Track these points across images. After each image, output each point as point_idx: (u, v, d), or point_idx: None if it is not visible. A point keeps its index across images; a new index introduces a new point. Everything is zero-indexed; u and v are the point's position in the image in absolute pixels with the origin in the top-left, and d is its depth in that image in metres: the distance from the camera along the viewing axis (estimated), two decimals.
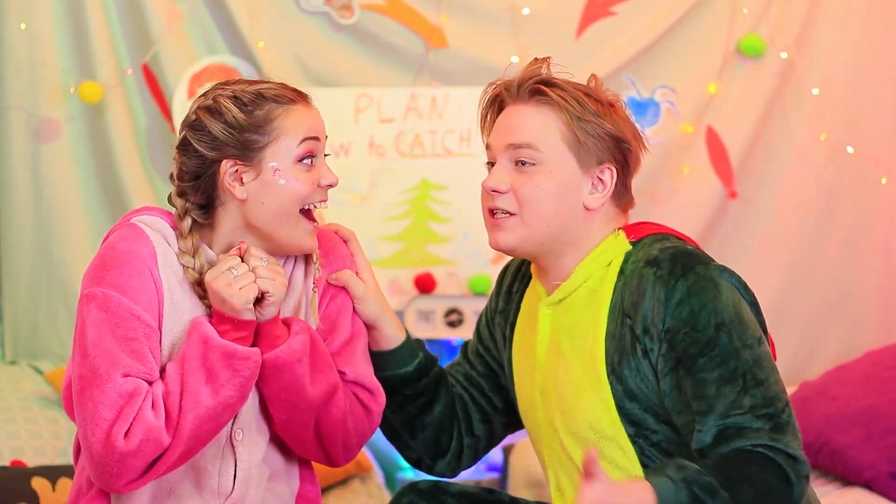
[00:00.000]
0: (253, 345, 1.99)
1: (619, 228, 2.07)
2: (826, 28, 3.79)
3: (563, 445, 2.06)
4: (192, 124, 2.02)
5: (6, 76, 3.58)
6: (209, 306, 2.02)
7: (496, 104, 2.10)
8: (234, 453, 2.05)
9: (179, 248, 2.04)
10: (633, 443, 2.00)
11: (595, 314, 2.02)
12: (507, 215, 2.03)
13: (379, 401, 2.12)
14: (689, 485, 1.80)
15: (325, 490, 3.22)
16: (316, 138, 2.03)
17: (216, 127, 1.99)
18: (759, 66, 3.77)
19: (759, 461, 1.85)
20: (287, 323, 2.04)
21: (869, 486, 3.10)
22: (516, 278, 2.21)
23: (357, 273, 2.15)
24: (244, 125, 1.99)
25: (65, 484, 2.91)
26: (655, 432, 1.99)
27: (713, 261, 2.00)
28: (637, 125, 2.11)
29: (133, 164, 3.64)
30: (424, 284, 3.66)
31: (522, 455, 3.50)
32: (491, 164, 2.07)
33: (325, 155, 2.07)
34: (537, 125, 2.01)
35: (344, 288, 2.13)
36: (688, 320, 1.92)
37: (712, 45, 3.77)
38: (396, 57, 3.70)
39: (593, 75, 2.11)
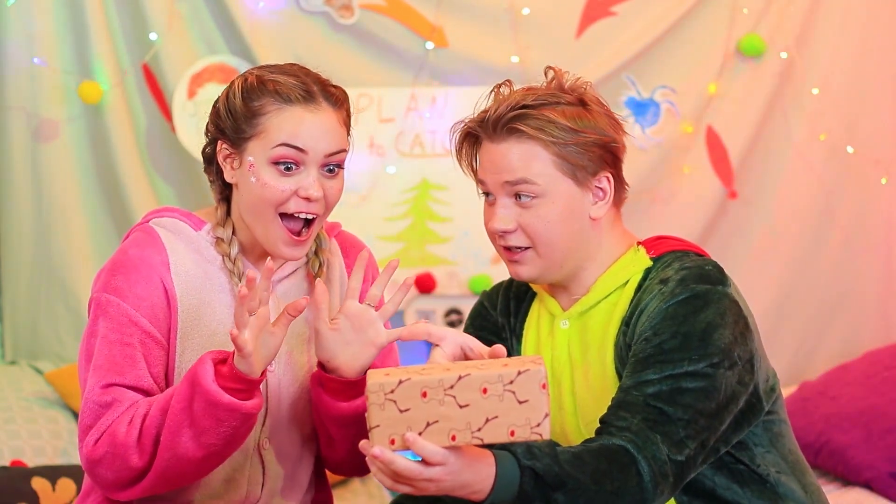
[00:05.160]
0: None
1: (638, 243, 2.07)
2: (826, 28, 3.79)
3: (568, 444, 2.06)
4: (217, 99, 2.01)
5: (6, 76, 3.58)
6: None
7: (471, 139, 2.06)
8: (262, 461, 2.03)
9: (215, 236, 2.01)
10: None
11: (607, 327, 2.02)
12: (522, 250, 2.02)
13: None
14: (534, 471, 1.78)
15: None
16: (298, 148, 1.92)
17: (222, 106, 1.97)
18: (759, 66, 3.78)
19: (621, 459, 1.84)
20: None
21: (869, 486, 3.10)
22: (509, 296, 2.19)
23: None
24: (238, 111, 1.94)
25: (65, 484, 2.91)
26: None
27: (724, 283, 1.97)
28: (605, 103, 2.05)
29: (133, 164, 3.64)
30: (424, 284, 3.66)
31: None
32: (486, 194, 2.05)
33: (329, 168, 1.95)
34: (526, 159, 1.98)
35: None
36: (655, 326, 1.93)
37: (712, 45, 3.77)
38: (396, 57, 3.70)
39: (550, 68, 2.07)
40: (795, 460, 2.07)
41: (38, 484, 2.91)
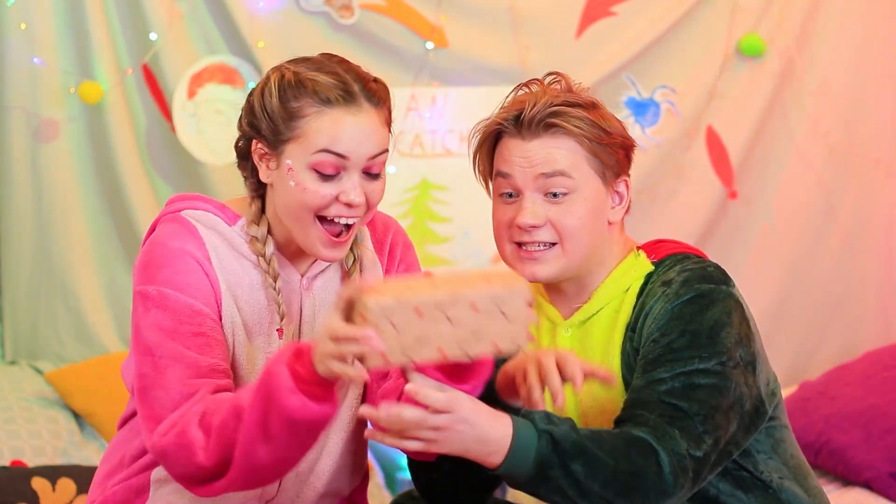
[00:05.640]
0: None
1: (638, 248, 2.06)
2: (826, 28, 3.80)
3: None
4: (251, 93, 1.94)
5: (6, 76, 3.58)
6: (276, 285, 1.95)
7: (491, 139, 2.04)
8: None
9: (249, 234, 1.95)
10: None
11: (611, 334, 2.01)
12: (547, 247, 2.00)
13: None
14: (553, 437, 1.79)
15: None
16: (339, 154, 1.86)
17: (257, 103, 1.90)
18: (759, 66, 3.78)
19: (641, 445, 1.83)
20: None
21: (869, 486, 3.10)
22: None
23: None
24: (276, 112, 1.87)
25: (65, 484, 2.91)
26: None
27: (727, 283, 1.97)
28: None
29: (133, 164, 3.63)
30: None
31: None
32: (508, 194, 2.02)
33: (371, 173, 1.90)
34: (563, 153, 1.97)
35: None
36: (662, 327, 1.93)
37: (712, 45, 3.77)
38: (396, 57, 3.70)
39: (552, 73, 2.06)
40: (797, 465, 2.06)
41: (38, 484, 2.91)
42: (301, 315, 2.00)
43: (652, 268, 2.02)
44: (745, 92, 3.77)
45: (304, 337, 1.99)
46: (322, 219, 1.90)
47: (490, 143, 2.04)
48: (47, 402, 3.31)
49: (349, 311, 1.71)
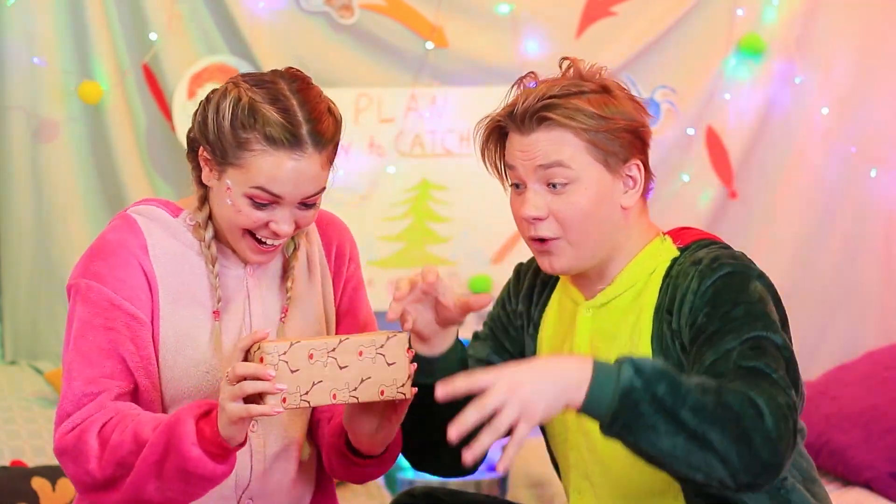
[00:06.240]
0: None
1: (664, 234, 2.05)
2: (826, 28, 3.79)
3: (594, 449, 2.02)
4: (209, 96, 1.98)
5: (6, 76, 3.58)
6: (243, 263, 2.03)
7: (497, 134, 2.04)
8: (250, 444, 2.03)
9: (194, 220, 2.02)
10: None
11: (638, 318, 1.99)
12: (553, 239, 1.99)
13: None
14: (634, 363, 1.75)
15: None
16: (275, 195, 1.92)
17: (210, 115, 1.95)
18: (759, 66, 3.77)
19: (733, 390, 1.77)
20: None
21: (869, 486, 3.10)
22: (536, 280, 2.16)
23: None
24: (225, 135, 1.93)
25: (65, 484, 2.91)
26: None
27: (756, 267, 1.96)
28: (626, 87, 2.06)
29: (133, 164, 3.64)
30: None
31: (522, 455, 3.50)
32: (516, 185, 2.02)
33: (306, 204, 1.95)
34: (558, 145, 1.96)
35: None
36: (710, 301, 1.90)
37: (712, 45, 3.77)
38: (396, 57, 3.70)
39: (565, 58, 2.06)
40: (808, 466, 2.04)
41: (38, 484, 2.91)
42: (249, 300, 2.05)
43: (678, 253, 2.00)
44: (745, 92, 3.77)
45: (253, 321, 2.04)
46: (251, 233, 1.97)
47: (497, 138, 2.05)
48: (47, 402, 3.30)
49: (247, 359, 1.84)
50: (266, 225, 1.95)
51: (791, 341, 1.93)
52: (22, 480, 2.90)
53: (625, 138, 1.98)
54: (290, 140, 1.91)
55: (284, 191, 1.92)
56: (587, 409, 1.75)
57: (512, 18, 3.72)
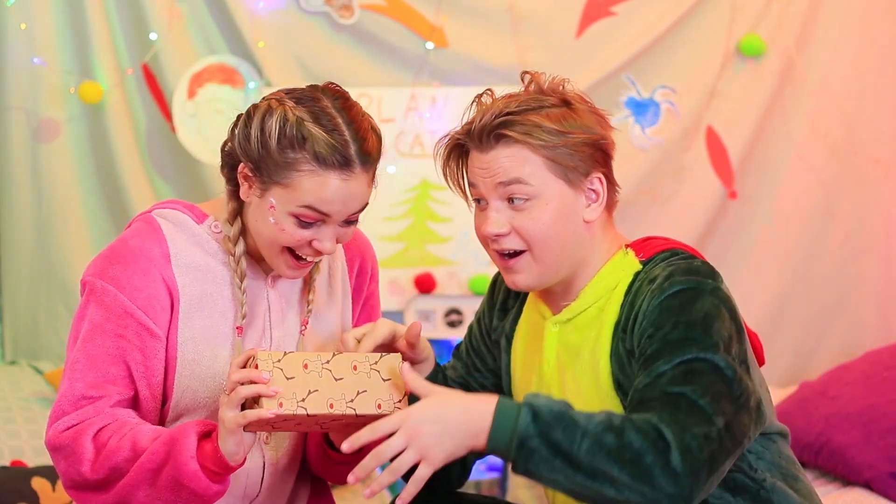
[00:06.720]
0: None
1: (626, 246, 2.04)
2: (826, 28, 3.79)
3: None
4: (249, 111, 1.95)
5: (6, 76, 3.58)
6: (270, 274, 2.04)
7: (458, 151, 2.05)
8: (263, 454, 2.04)
9: (223, 232, 2.01)
10: None
11: (599, 334, 1.99)
12: (517, 255, 2.00)
13: None
14: (532, 407, 1.77)
15: None
16: (323, 214, 1.92)
17: (254, 133, 1.92)
18: (759, 66, 3.77)
19: (640, 424, 1.78)
20: None
21: (869, 486, 3.10)
22: (510, 294, 2.18)
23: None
24: (272, 154, 1.90)
25: None
26: None
27: (714, 278, 1.94)
28: (589, 100, 2.03)
29: (133, 164, 3.64)
30: (424, 284, 3.66)
31: None
32: (478, 200, 2.04)
33: (350, 222, 1.97)
34: (517, 161, 1.96)
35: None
36: (654, 322, 1.90)
37: (712, 45, 3.77)
38: (396, 57, 3.70)
39: (526, 72, 2.04)
40: (788, 464, 2.04)
41: (38, 484, 2.91)
42: (269, 312, 2.05)
43: (640, 266, 2.00)
44: (745, 92, 3.77)
45: (273, 333, 2.05)
46: (290, 250, 1.97)
47: (458, 155, 2.05)
48: (47, 402, 3.31)
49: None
50: (309, 243, 1.95)
51: (746, 353, 1.91)
52: (22, 480, 2.91)
53: (585, 152, 1.97)
54: (340, 160, 1.91)
55: (332, 210, 1.92)
56: (491, 453, 1.80)
57: (512, 18, 3.72)
